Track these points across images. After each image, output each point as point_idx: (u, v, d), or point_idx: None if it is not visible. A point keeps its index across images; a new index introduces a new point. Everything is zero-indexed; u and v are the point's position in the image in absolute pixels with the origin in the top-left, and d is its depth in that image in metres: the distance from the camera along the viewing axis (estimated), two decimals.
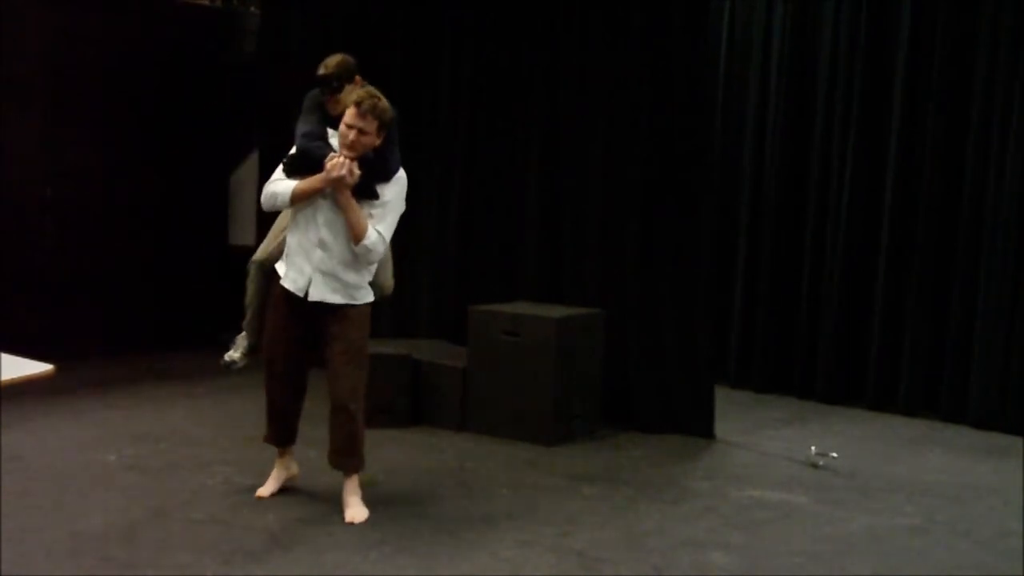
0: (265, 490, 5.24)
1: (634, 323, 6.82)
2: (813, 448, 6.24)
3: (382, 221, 4.85)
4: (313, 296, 4.88)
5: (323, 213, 4.85)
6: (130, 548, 4.49)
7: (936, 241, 7.33)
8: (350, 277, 4.90)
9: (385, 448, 6.18)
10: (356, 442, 5.02)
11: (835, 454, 6.19)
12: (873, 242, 7.57)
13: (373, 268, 5.02)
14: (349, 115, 4.77)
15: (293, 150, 5.00)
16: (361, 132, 4.75)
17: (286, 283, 4.95)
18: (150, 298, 8.63)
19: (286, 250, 5.02)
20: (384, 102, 4.79)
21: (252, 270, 5.99)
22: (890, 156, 7.45)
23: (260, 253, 5.94)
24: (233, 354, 6.01)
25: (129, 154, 8.39)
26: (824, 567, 4.60)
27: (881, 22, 7.49)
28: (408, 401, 6.71)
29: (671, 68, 6.71)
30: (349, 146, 4.76)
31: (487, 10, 7.62)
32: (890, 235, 7.46)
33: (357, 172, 4.74)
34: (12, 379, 3.97)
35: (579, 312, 6.65)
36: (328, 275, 4.87)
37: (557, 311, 6.58)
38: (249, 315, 6.01)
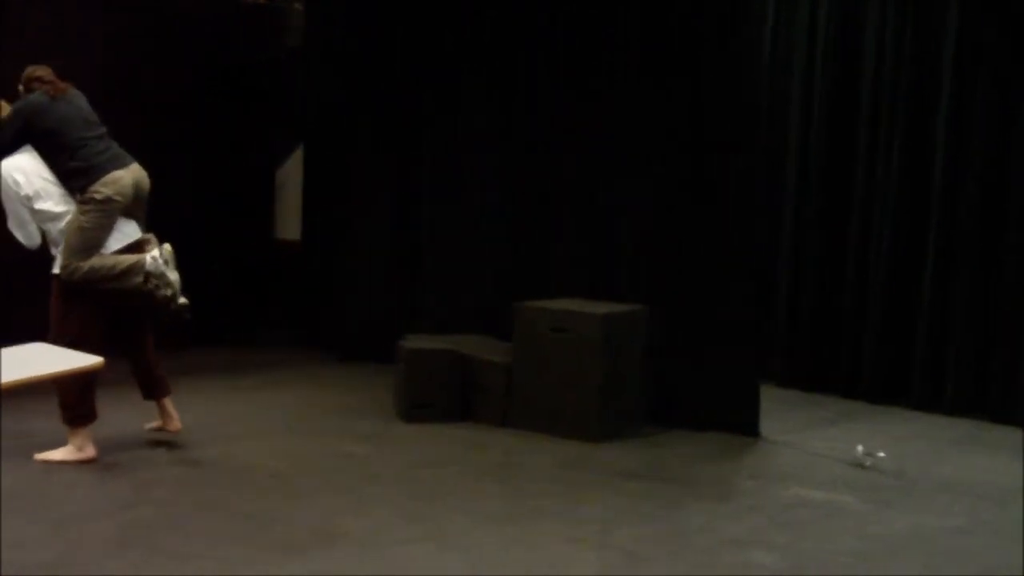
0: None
1: (679, 320, 6.80)
2: (860, 447, 6.19)
3: None
4: None
5: None
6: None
7: (984, 237, 7.23)
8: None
9: (429, 443, 6.21)
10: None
11: (882, 453, 6.14)
12: (920, 239, 7.47)
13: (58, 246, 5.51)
14: None
15: None
16: None
17: None
18: (194, 294, 8.67)
19: None
20: None
21: None
22: (937, 150, 7.35)
23: None
24: None
25: (174, 149, 8.42)
26: (869, 567, 4.56)
27: (928, 13, 7.39)
28: (453, 396, 6.73)
29: (714, 60, 6.66)
30: None
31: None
32: (937, 231, 7.36)
33: None
34: (61, 371, 4.08)
35: (624, 308, 6.64)
36: None
37: (602, 307, 6.57)
38: None
